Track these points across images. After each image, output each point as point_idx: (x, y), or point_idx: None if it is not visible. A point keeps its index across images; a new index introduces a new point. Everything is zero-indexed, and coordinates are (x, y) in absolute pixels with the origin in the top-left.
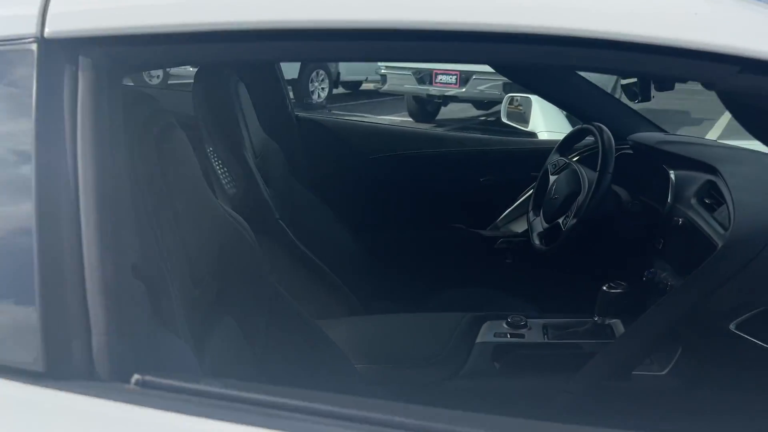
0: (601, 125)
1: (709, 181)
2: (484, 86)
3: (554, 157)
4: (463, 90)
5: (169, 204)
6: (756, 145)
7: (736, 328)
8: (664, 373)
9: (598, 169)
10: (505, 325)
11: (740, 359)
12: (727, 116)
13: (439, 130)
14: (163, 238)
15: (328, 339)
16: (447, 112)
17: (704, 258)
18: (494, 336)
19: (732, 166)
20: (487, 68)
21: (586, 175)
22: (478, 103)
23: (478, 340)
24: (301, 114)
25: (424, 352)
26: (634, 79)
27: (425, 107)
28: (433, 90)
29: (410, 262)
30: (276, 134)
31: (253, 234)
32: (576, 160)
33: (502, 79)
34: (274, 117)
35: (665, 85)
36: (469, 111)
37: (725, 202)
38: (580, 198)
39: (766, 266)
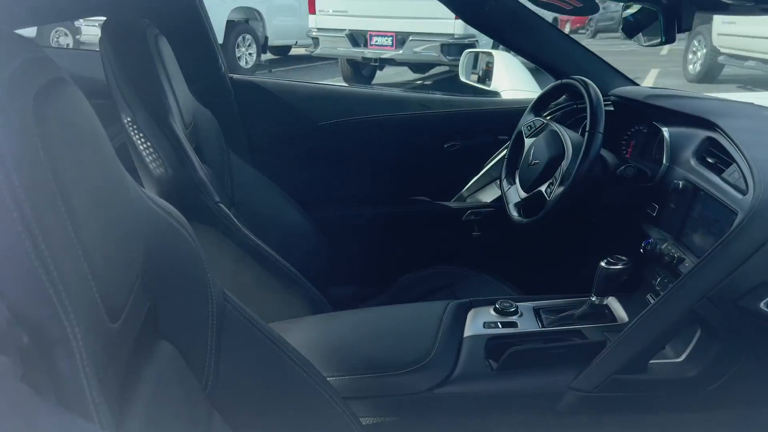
0: (585, 79)
1: (709, 138)
2: (421, 47)
3: (528, 118)
4: (400, 52)
5: (61, 201)
6: (747, 97)
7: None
8: (681, 360)
9: (587, 128)
10: (493, 312)
11: None
12: (653, 74)
13: (397, 91)
14: (54, 258)
15: (295, 352)
16: (383, 76)
17: (718, 225)
18: (483, 326)
19: (732, 120)
20: (424, 28)
21: (569, 137)
22: (415, 66)
23: (466, 333)
24: (237, 76)
25: (408, 355)
26: (638, 7)
27: (360, 71)
28: (369, 53)
29: (370, 241)
30: (208, 99)
31: (189, 224)
32: (551, 119)
33: (439, 40)
34: (205, 78)
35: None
36: (405, 74)
37: (734, 161)
38: (565, 163)
39: None
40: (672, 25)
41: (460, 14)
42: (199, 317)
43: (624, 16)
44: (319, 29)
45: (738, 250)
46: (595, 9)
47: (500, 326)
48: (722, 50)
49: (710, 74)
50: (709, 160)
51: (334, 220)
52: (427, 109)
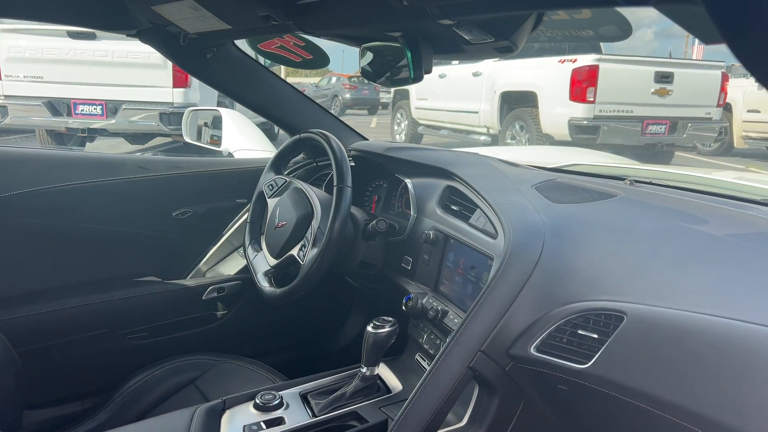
0: (326, 132)
1: (449, 187)
2: (138, 117)
3: (269, 177)
4: (113, 121)
5: None
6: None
7: (538, 351)
8: (463, 424)
9: (334, 183)
10: (253, 410)
11: (547, 384)
12: None
13: (106, 153)
14: None
15: None
16: (94, 148)
17: (474, 271)
18: None
19: (466, 168)
20: (139, 97)
21: (315, 194)
22: (133, 137)
23: None
24: None
25: None
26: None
27: (65, 143)
28: (74, 122)
29: (81, 342)
30: None
31: None
32: (294, 177)
33: (158, 109)
34: None
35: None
36: (121, 146)
37: (477, 207)
38: (315, 222)
39: (551, 271)
40: (419, 65)
41: (179, 63)
42: None
43: (361, 66)
44: (6, 96)
45: (501, 296)
46: (325, 62)
47: (264, 427)
48: (420, 121)
49: (414, 142)
50: (454, 208)
51: (24, 324)
52: (147, 172)
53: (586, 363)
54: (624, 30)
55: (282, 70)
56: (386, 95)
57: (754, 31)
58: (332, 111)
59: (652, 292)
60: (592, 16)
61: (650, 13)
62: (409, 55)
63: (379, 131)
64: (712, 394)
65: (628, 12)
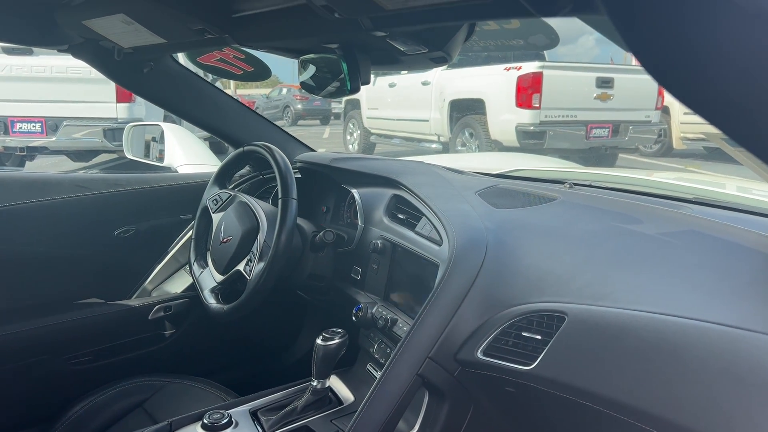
0: (269, 145)
1: (396, 196)
2: (81, 133)
3: (213, 191)
4: (54, 139)
5: None
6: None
7: (484, 355)
8: (415, 431)
9: (279, 195)
10: (201, 430)
11: (495, 387)
12: None
13: (43, 172)
14: None
15: None
16: (35, 167)
17: (421, 279)
18: None
19: (411, 177)
20: (81, 113)
21: (261, 208)
22: (76, 155)
23: None
24: None
25: None
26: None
27: (3, 164)
28: (12, 141)
29: (17, 371)
30: None
31: None
32: (239, 191)
33: (101, 124)
34: None
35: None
36: (64, 164)
37: (422, 215)
38: (261, 236)
39: (494, 275)
40: (356, 76)
41: (114, 78)
42: None
43: (301, 80)
44: None
45: (447, 303)
46: (267, 74)
47: None
48: (372, 131)
49: (366, 152)
50: (401, 217)
51: None
52: (85, 191)
53: (531, 364)
54: (551, 39)
55: (231, 83)
56: (338, 105)
57: (654, 41)
58: (284, 122)
59: (590, 292)
60: (520, 26)
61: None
62: (344, 66)
63: (332, 141)
64: (649, 389)
65: (564, 21)
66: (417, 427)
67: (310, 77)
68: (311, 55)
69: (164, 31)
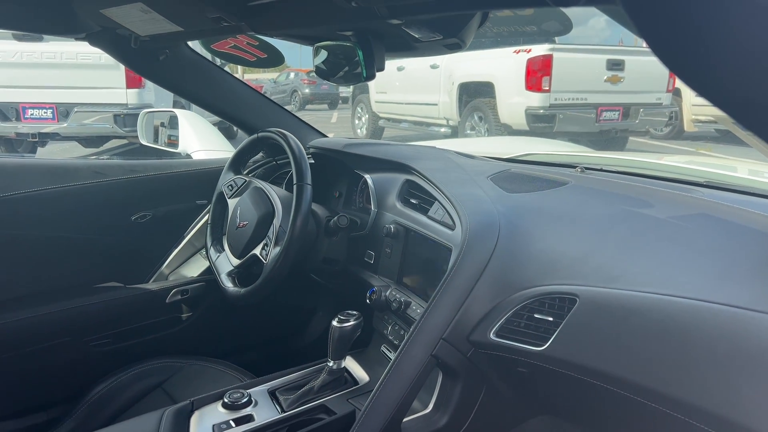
0: (283, 131)
1: (408, 181)
2: (91, 119)
3: (228, 177)
4: (65, 125)
5: None
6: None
7: (497, 336)
8: (429, 410)
9: (294, 181)
10: (222, 410)
11: (507, 368)
12: None
13: (59, 159)
14: None
15: None
16: (47, 153)
17: (434, 262)
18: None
19: (423, 162)
20: (91, 99)
21: (276, 193)
22: (87, 141)
23: None
24: None
25: None
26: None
27: (15, 149)
28: (24, 127)
29: (41, 353)
30: None
31: None
32: (253, 177)
33: (111, 110)
34: None
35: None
36: (74, 150)
37: (435, 199)
38: (276, 220)
39: (506, 259)
40: (371, 63)
41: (131, 66)
42: None
43: (315, 65)
44: None
45: (460, 285)
46: (280, 60)
47: (234, 425)
48: (381, 115)
49: (375, 136)
50: (413, 201)
51: None
52: (103, 177)
53: (543, 345)
54: (565, 25)
55: (239, 67)
56: (346, 90)
57: (667, 30)
58: (292, 106)
59: (602, 275)
60: (534, 13)
61: None
62: (360, 53)
63: (340, 126)
64: (659, 369)
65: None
66: (431, 405)
67: (324, 63)
68: (326, 42)
69: (181, 19)
